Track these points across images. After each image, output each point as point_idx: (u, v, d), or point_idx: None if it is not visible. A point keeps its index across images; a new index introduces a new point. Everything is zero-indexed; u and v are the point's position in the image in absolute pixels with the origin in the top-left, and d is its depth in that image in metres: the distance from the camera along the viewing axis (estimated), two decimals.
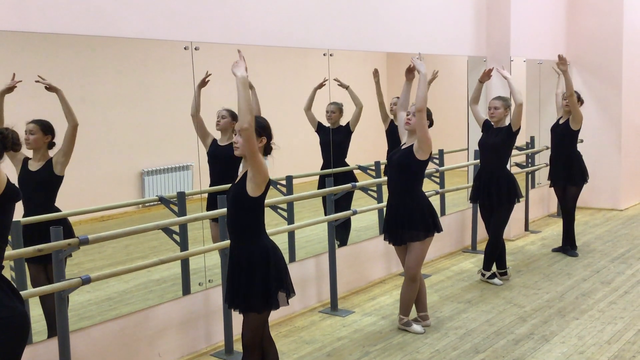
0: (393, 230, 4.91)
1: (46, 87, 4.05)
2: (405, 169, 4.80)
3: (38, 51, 4.55)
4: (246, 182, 3.39)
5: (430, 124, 4.84)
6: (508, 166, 6.50)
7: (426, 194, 5.06)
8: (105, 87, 5.48)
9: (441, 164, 7.24)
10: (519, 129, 5.91)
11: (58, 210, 4.35)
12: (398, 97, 7.22)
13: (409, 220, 4.80)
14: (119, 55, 5.38)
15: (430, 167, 6.02)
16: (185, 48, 4.77)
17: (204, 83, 5.06)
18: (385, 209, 5.08)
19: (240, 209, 3.44)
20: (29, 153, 4.34)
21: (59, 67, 4.85)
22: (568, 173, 7.04)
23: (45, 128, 4.31)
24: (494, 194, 6.03)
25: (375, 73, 6.78)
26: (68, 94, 4.13)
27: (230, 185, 3.66)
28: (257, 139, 3.39)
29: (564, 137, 6.98)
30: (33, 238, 4.06)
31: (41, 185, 4.25)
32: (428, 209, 4.88)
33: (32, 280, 4.33)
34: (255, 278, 3.41)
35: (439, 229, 4.91)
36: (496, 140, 5.98)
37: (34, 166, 4.30)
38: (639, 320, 5.13)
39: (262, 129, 3.47)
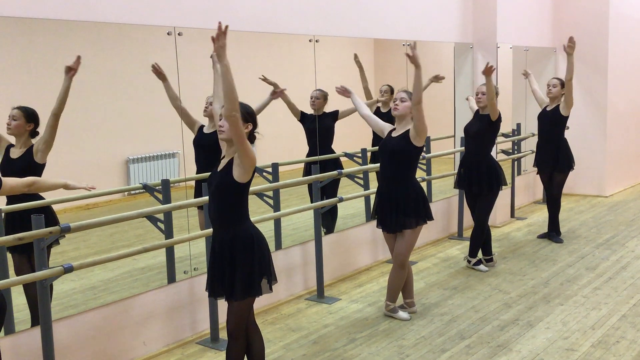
0: (387, 217, 4.89)
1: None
2: (400, 155, 4.76)
3: (16, 36, 4.47)
4: (233, 168, 3.35)
5: None
6: (494, 153, 6.49)
7: None
8: (89, 73, 5.41)
9: (428, 150, 7.24)
10: (499, 118, 5.88)
11: (42, 198, 4.30)
12: (388, 85, 7.24)
13: (404, 208, 4.79)
14: (101, 41, 5.31)
15: None
16: (168, 33, 4.71)
17: (162, 76, 5.03)
18: (375, 195, 5.07)
19: (226, 196, 3.40)
20: (14, 140, 4.29)
21: (39, 53, 4.78)
22: (555, 160, 7.05)
23: (28, 115, 4.26)
24: (477, 180, 6.05)
25: (355, 57, 6.87)
26: (50, 81, 4.07)
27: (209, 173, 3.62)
28: (243, 124, 3.37)
29: (554, 123, 6.97)
30: (15, 227, 4.01)
31: (21, 173, 4.19)
32: (421, 196, 4.87)
33: (16, 270, 4.29)
34: (239, 264, 3.39)
35: (430, 217, 4.91)
36: (477, 128, 5.98)
37: (15, 153, 4.24)
38: (622, 306, 5.18)
39: (248, 115, 3.45)
